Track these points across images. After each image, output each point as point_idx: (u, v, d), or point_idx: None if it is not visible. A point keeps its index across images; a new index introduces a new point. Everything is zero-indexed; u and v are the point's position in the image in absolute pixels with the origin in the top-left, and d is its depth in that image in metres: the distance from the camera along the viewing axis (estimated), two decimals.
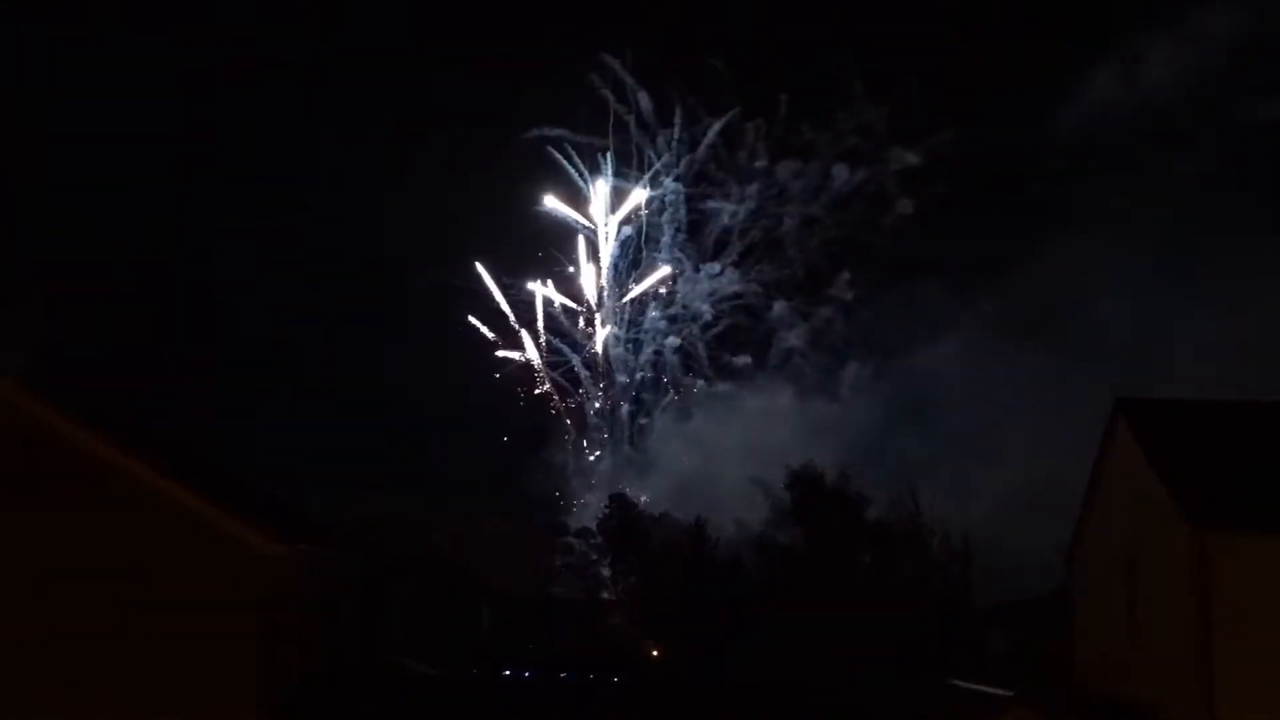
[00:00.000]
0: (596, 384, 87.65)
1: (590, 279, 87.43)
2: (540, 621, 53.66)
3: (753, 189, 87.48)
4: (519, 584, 59.38)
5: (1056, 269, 73.78)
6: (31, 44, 73.14)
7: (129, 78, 74.90)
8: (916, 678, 38.74)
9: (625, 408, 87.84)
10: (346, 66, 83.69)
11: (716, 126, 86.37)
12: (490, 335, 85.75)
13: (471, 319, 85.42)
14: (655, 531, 57.48)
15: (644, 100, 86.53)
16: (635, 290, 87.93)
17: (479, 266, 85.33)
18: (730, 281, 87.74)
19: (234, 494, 24.82)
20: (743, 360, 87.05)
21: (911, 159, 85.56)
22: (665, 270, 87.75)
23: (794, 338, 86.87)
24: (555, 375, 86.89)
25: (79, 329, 62.14)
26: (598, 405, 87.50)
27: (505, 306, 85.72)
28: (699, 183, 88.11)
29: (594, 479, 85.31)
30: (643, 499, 67.33)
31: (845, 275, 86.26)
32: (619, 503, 63.39)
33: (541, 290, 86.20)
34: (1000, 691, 32.40)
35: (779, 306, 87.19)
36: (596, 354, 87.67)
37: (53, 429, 21.89)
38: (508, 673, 43.56)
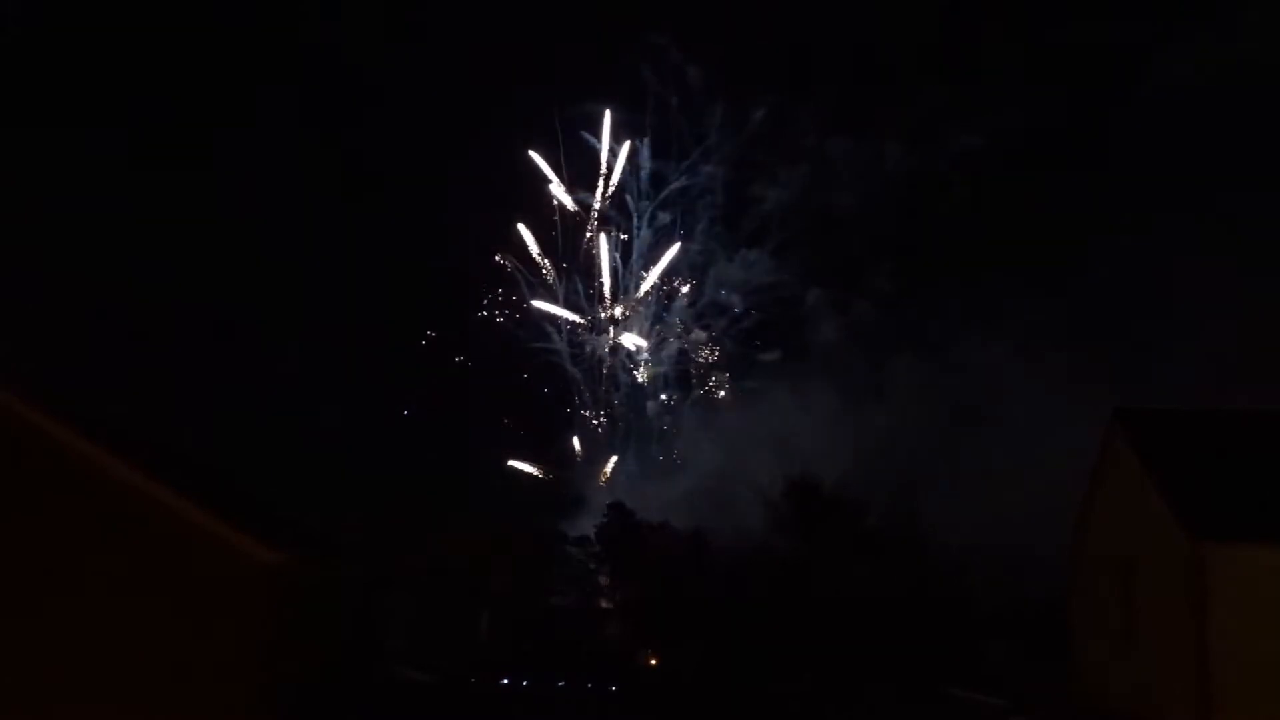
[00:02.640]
0: (616, 383, 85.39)
1: (617, 269, 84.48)
2: (538, 629, 53.58)
3: (799, 171, 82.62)
4: (517, 592, 59.26)
5: (1135, 260, 67.23)
6: (31, 42, 72.82)
7: (129, 64, 74.36)
8: (914, 686, 38.72)
9: (649, 406, 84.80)
10: (362, 50, 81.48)
11: (762, 110, 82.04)
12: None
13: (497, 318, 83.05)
14: (653, 540, 57.34)
15: (690, 76, 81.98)
16: (648, 281, 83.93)
17: (521, 227, 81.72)
18: (766, 271, 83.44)
19: (233, 502, 24.81)
20: (773, 355, 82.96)
21: (973, 141, 79.32)
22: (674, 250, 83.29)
23: (829, 331, 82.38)
24: (575, 370, 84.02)
25: (77, 334, 62.11)
26: (615, 405, 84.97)
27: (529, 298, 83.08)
28: (742, 167, 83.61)
29: (609, 482, 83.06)
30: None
31: (887, 266, 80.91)
32: (617, 511, 63.22)
33: (562, 282, 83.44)
34: (998, 700, 32.43)
35: (815, 299, 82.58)
36: (620, 346, 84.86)
37: (51, 437, 21.83)
38: (506, 680, 43.53)
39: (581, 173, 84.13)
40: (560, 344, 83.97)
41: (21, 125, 70.17)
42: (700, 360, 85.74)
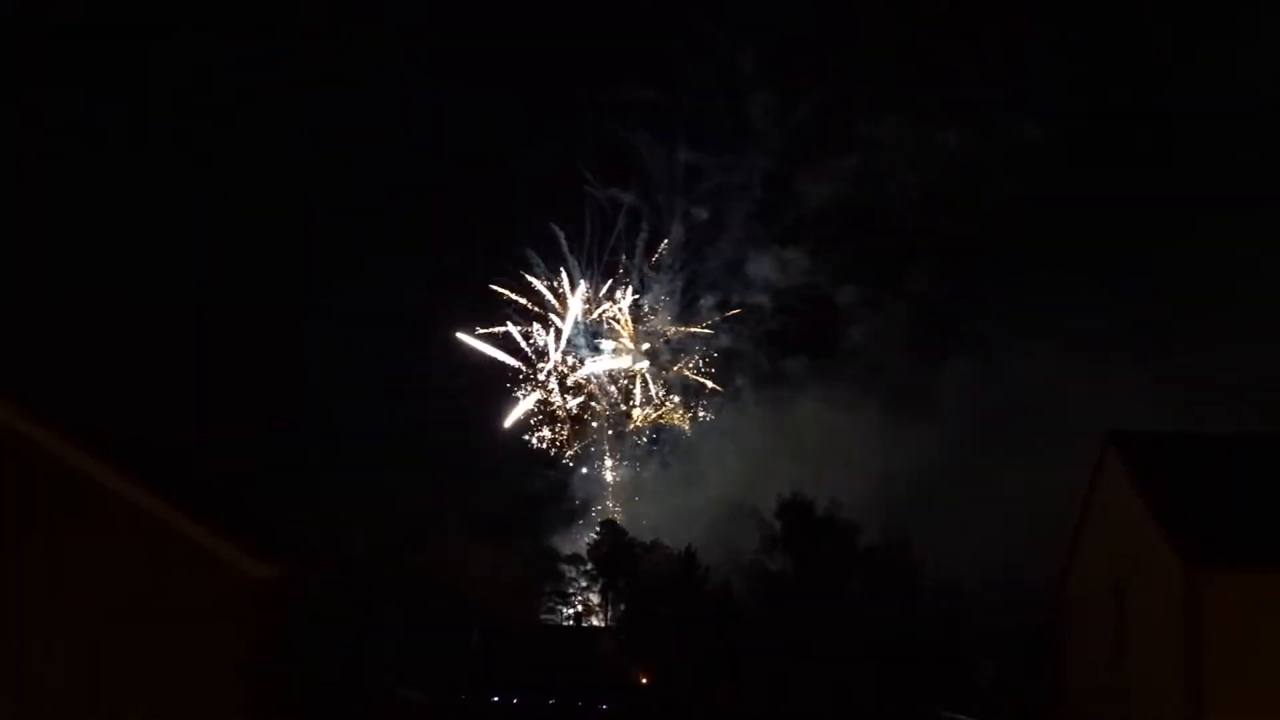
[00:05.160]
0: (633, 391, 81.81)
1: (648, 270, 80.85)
2: (530, 647, 53.45)
3: (844, 164, 77.79)
4: (509, 609, 59.14)
5: (1206, 259, 62.72)
6: (34, 50, 72.37)
7: (152, 79, 73.75)
8: (905, 707, 38.63)
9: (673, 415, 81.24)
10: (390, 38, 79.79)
11: (809, 100, 77.16)
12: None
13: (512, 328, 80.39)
14: (645, 558, 57.27)
15: (732, 64, 77.40)
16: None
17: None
18: (801, 270, 78.85)
19: (224, 513, 24.64)
20: (800, 360, 78.72)
21: (1033, 132, 73.50)
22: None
23: (863, 334, 77.70)
24: (586, 381, 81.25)
25: (67, 334, 61.82)
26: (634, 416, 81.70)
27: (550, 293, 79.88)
28: (784, 159, 79.30)
29: (618, 496, 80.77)
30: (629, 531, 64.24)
31: (931, 265, 75.58)
32: (609, 530, 63.14)
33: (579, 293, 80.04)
34: None
35: (849, 300, 77.85)
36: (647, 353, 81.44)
37: (39, 444, 21.67)
38: (496, 698, 43.40)
39: (614, 165, 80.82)
40: (574, 352, 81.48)
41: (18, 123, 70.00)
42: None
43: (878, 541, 45.52)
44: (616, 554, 59.09)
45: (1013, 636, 39.82)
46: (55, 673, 20.71)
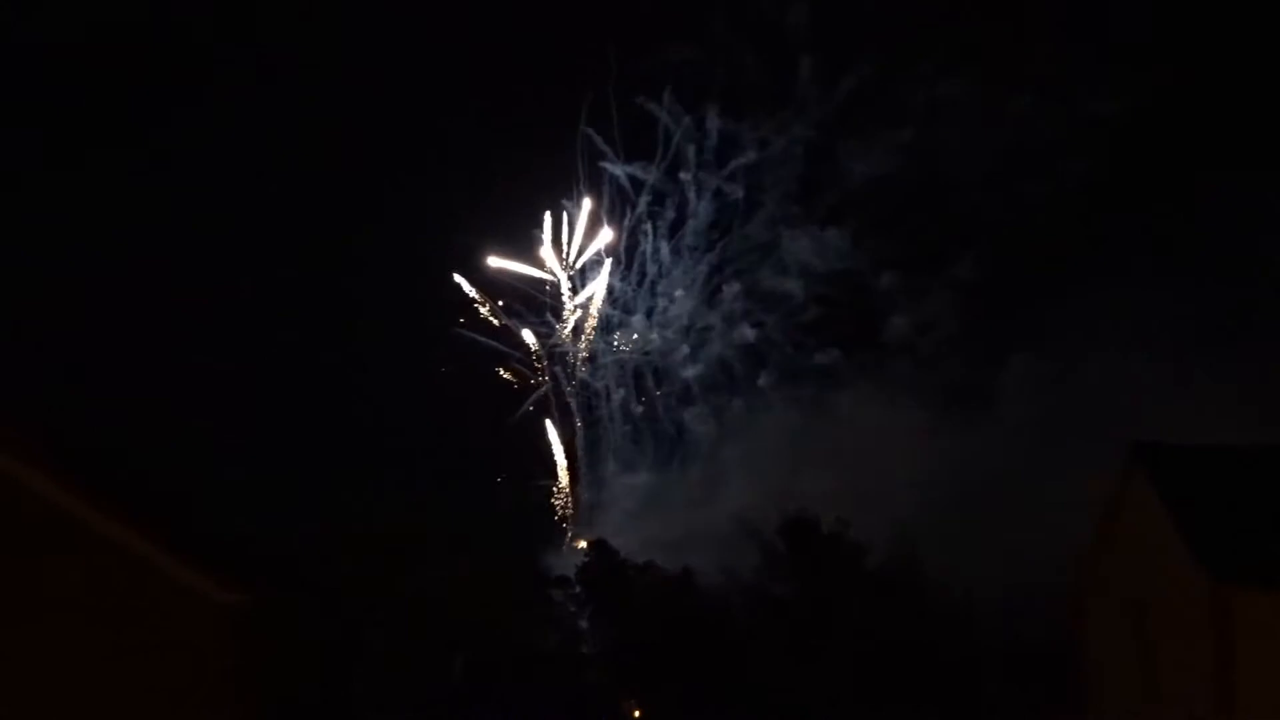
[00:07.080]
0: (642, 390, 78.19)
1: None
2: (514, 674, 52.46)
3: (894, 140, 71.87)
4: (494, 634, 57.99)
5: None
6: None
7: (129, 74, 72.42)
8: None
9: (686, 414, 77.09)
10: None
11: (858, 68, 71.50)
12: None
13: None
14: (638, 581, 56.04)
15: (774, 28, 71.79)
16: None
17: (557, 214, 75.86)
18: (839, 256, 73.03)
19: (191, 537, 23.79)
20: (832, 354, 73.28)
21: (1103, 108, 67.34)
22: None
23: (909, 327, 72.37)
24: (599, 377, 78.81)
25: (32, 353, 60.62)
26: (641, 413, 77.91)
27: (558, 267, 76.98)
28: (827, 132, 73.27)
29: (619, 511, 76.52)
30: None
31: (984, 252, 69.95)
32: (600, 550, 61.89)
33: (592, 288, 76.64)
34: None
35: (893, 284, 72.62)
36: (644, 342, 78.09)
37: (7, 473, 20.87)
38: None
39: (638, 136, 75.46)
40: (579, 347, 79.09)
41: None
42: None
43: (886, 561, 44.25)
44: (607, 577, 57.85)
45: (1032, 653, 38.87)
46: (29, 704, 20.16)
